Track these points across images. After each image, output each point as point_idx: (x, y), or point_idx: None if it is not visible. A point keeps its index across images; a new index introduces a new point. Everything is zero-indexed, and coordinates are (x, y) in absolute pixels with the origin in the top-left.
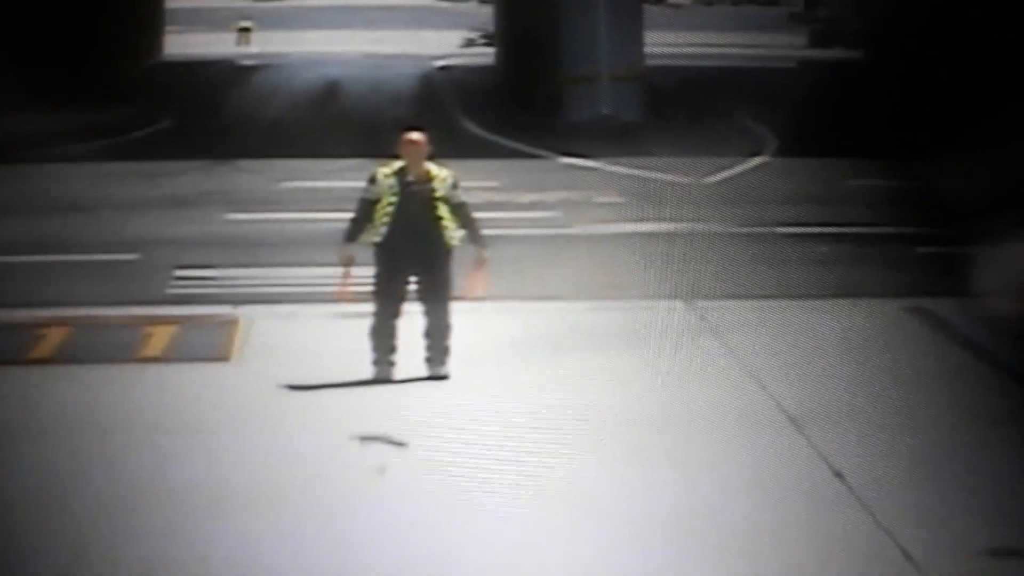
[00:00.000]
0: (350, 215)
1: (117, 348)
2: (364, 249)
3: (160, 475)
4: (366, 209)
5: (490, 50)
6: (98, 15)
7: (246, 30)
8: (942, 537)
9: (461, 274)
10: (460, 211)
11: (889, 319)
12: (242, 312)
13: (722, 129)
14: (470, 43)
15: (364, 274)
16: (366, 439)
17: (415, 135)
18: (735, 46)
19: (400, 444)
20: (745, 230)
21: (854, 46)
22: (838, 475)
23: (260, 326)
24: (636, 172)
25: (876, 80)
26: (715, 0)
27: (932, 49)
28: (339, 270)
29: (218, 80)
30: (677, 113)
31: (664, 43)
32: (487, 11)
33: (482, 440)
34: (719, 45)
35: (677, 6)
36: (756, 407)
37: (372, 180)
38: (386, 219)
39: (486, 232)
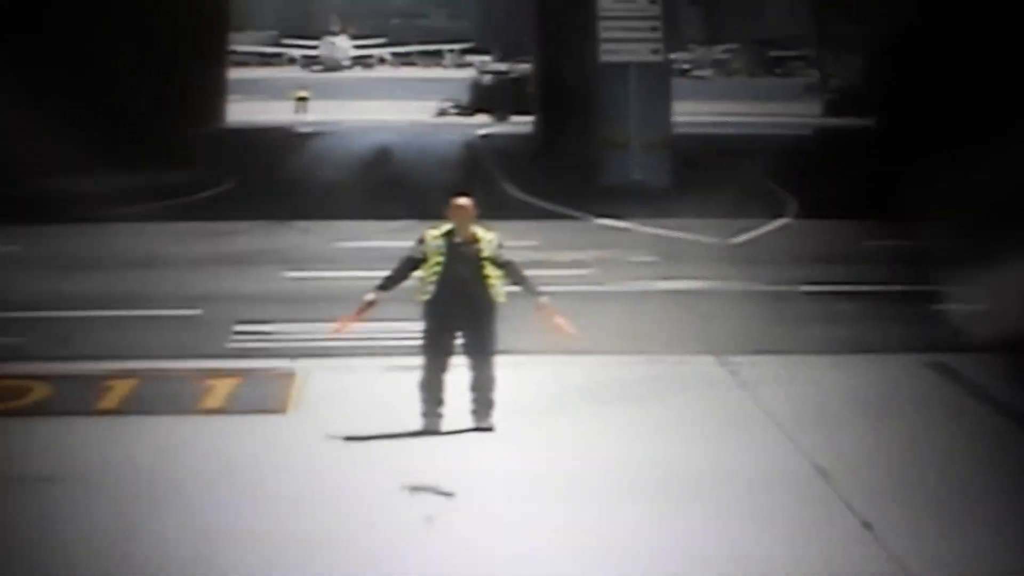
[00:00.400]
0: (393, 268)
1: (179, 400)
2: (410, 305)
3: (220, 522)
4: (408, 266)
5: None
6: (165, 82)
7: (303, 99)
8: None
9: (517, 329)
10: (508, 268)
11: (908, 373)
12: (298, 365)
13: (745, 192)
14: (443, 112)
15: (414, 329)
16: (415, 489)
17: (463, 200)
18: (754, 114)
19: (447, 494)
20: (770, 288)
21: (865, 114)
22: (867, 525)
23: (315, 379)
24: (666, 233)
25: (886, 146)
26: (734, 72)
27: (939, 113)
28: (391, 324)
29: (276, 145)
30: (702, 177)
31: (688, 112)
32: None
33: (526, 492)
34: (739, 114)
35: (700, 77)
36: (786, 459)
37: (421, 240)
38: (434, 278)
39: None
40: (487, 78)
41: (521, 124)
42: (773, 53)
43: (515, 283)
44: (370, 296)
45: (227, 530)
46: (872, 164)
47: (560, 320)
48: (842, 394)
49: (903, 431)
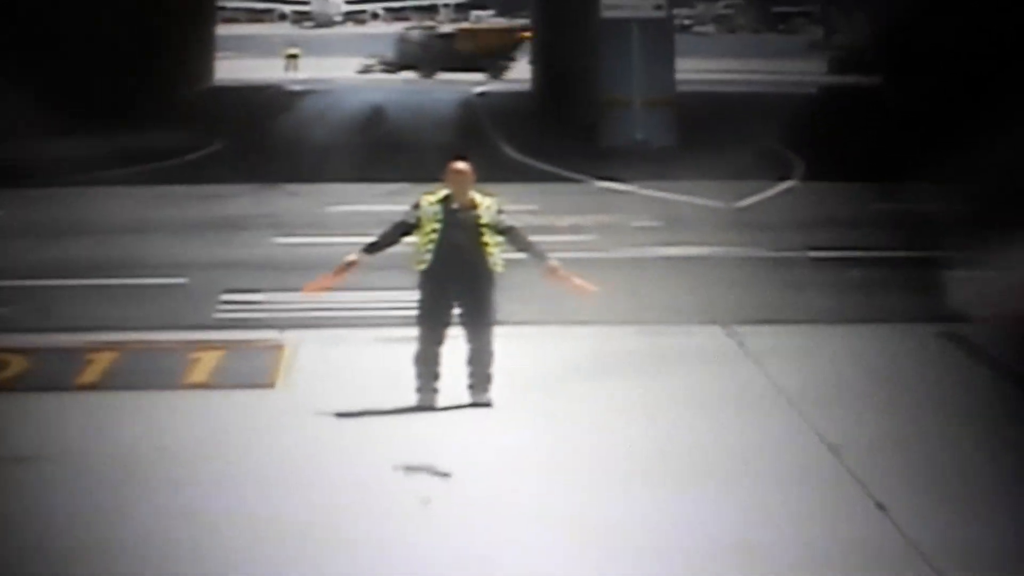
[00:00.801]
0: (382, 231)
1: (163, 374)
2: (405, 273)
3: (204, 503)
4: (399, 230)
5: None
6: (151, 40)
7: (294, 56)
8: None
9: (514, 298)
10: (511, 234)
11: (921, 344)
12: (288, 337)
13: (749, 153)
14: (367, 69)
15: (408, 299)
16: (410, 469)
17: (461, 164)
18: (757, 72)
19: (444, 475)
20: (778, 254)
21: (872, 73)
22: (880, 507)
23: (305, 351)
24: (669, 196)
25: (895, 106)
26: (737, 28)
27: (947, 73)
28: (385, 293)
29: (267, 105)
30: (705, 137)
31: (690, 69)
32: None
33: (525, 470)
34: (742, 71)
35: (701, 33)
36: (798, 437)
37: (416, 206)
38: (430, 246)
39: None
40: (415, 34)
41: (519, 82)
42: (776, 9)
43: (520, 249)
44: (351, 257)
45: (213, 513)
46: (880, 125)
47: (578, 280)
48: (854, 367)
49: (917, 406)
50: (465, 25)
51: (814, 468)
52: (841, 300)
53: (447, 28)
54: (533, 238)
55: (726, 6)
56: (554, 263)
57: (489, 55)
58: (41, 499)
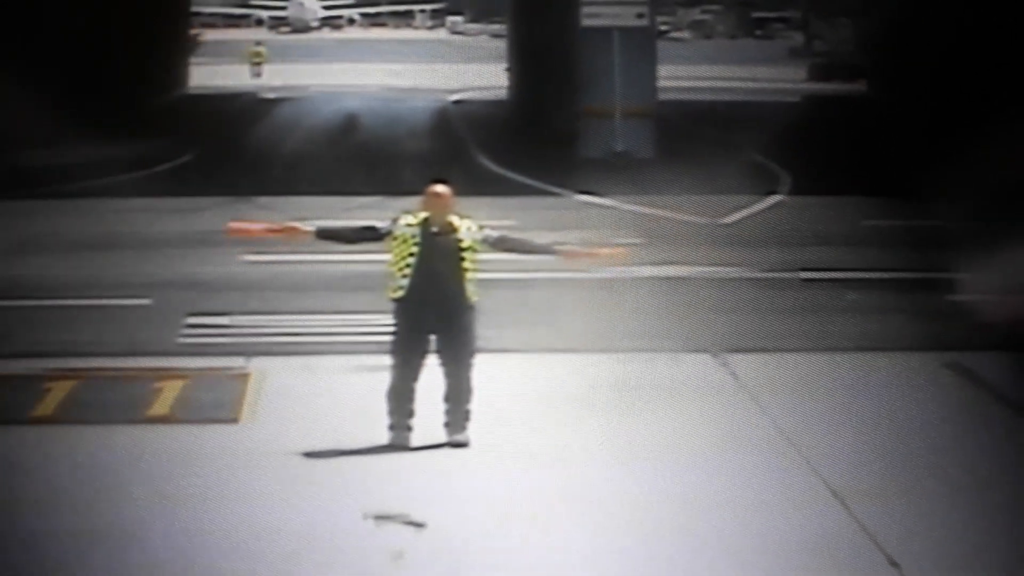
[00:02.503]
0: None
1: (123, 406)
2: (379, 295)
3: (162, 550)
4: (365, 232)
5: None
6: (122, 46)
7: (258, 56)
8: None
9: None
10: (505, 243)
11: (925, 376)
12: (254, 365)
13: (733, 165)
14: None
15: (384, 323)
16: (381, 519)
17: (440, 188)
18: (736, 79)
19: (418, 525)
20: (768, 275)
21: (854, 79)
22: (894, 564)
23: (272, 381)
24: (652, 211)
25: (881, 114)
26: (714, 34)
27: (937, 80)
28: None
29: (240, 113)
30: (687, 149)
31: (667, 76)
32: (498, 45)
33: (504, 520)
34: (721, 78)
35: (677, 39)
36: (799, 481)
37: (395, 220)
38: (407, 271)
39: (507, 275)
40: None
41: (494, 90)
42: (756, 15)
43: (522, 252)
44: (297, 225)
45: (171, 560)
46: (868, 135)
47: (603, 251)
48: (855, 401)
49: (926, 449)
50: None
51: (820, 519)
52: (837, 326)
53: None
54: (513, 255)
55: (702, 11)
56: (566, 248)
57: None
58: None
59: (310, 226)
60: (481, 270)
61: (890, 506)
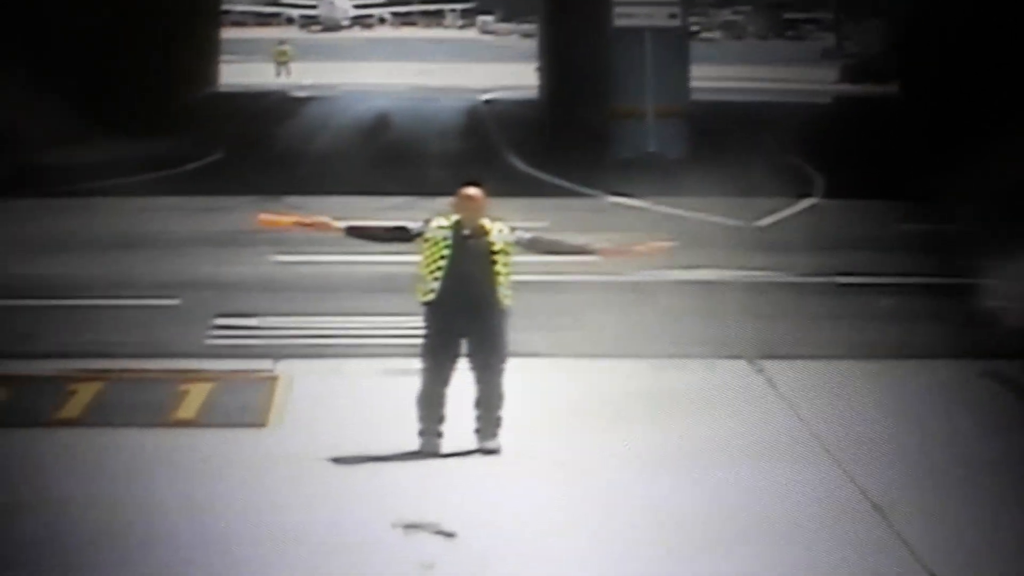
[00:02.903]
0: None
1: (149, 409)
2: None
3: (186, 557)
4: (396, 232)
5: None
6: (153, 44)
7: (284, 55)
8: None
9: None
10: (539, 244)
11: (966, 384)
12: (282, 368)
13: (766, 167)
14: None
15: (416, 325)
16: (410, 528)
17: (472, 190)
18: (768, 80)
19: (448, 535)
20: (803, 280)
21: (886, 81)
22: None
23: (300, 385)
24: (685, 213)
25: (916, 116)
26: (745, 34)
27: (971, 81)
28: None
29: (270, 111)
30: (719, 149)
31: (698, 76)
32: (529, 44)
33: (535, 531)
34: (752, 79)
35: (709, 40)
36: (839, 494)
37: (427, 221)
38: (439, 274)
39: (535, 277)
40: None
41: (524, 89)
42: (787, 15)
43: (558, 253)
44: (327, 220)
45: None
46: (902, 137)
47: (643, 247)
48: (894, 411)
49: (965, 456)
50: None
51: (860, 532)
52: (875, 332)
53: None
54: (547, 258)
55: (734, 12)
56: (603, 246)
57: None
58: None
59: (341, 223)
60: (514, 273)
61: (930, 519)
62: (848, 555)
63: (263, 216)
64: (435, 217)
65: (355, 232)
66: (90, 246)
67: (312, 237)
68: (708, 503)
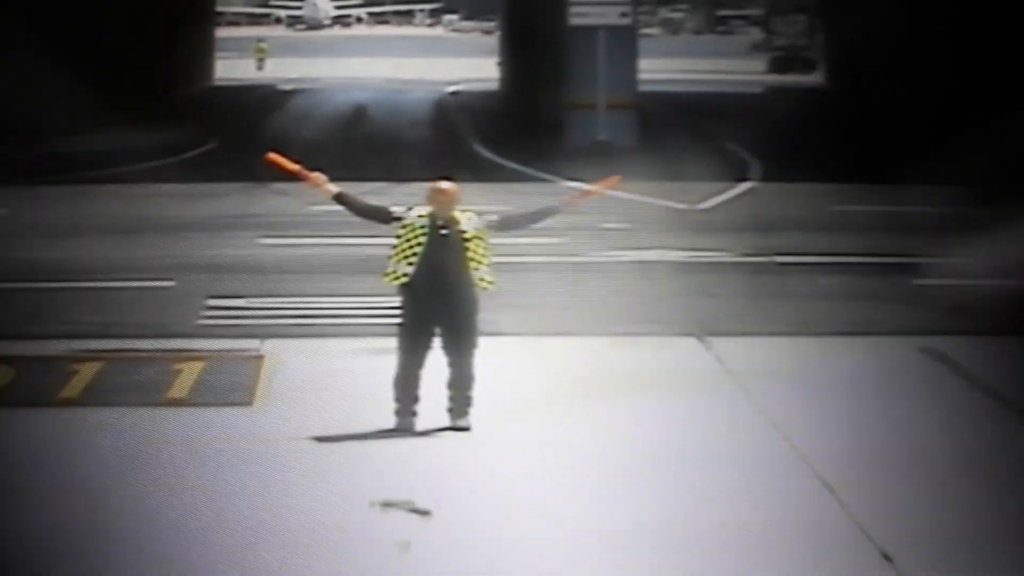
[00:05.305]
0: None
1: (145, 388)
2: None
3: (175, 535)
4: (376, 212)
5: (495, 77)
6: (152, 41)
7: (261, 51)
8: None
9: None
10: (508, 223)
11: (904, 360)
12: (269, 347)
13: (706, 154)
14: None
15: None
16: (388, 505)
17: (445, 184)
18: (702, 71)
19: (424, 513)
20: (745, 260)
21: (810, 72)
22: (887, 558)
23: (286, 364)
24: (635, 197)
25: (842, 104)
26: (681, 30)
27: (895, 73)
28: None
29: (260, 103)
30: (663, 138)
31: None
32: (491, 40)
33: (509, 503)
34: (688, 71)
35: (647, 35)
36: (789, 469)
37: (409, 209)
38: (413, 259)
39: (494, 259)
40: None
41: (489, 83)
42: (720, 13)
43: (528, 223)
44: (326, 181)
45: (182, 546)
46: (829, 122)
47: (595, 187)
48: (839, 385)
49: (905, 430)
50: None
51: (812, 512)
52: (815, 310)
53: None
54: (508, 241)
55: (672, 9)
56: (564, 199)
57: None
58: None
59: (333, 186)
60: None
61: (880, 498)
62: (796, 529)
63: (271, 155)
64: (416, 207)
65: (341, 199)
66: (93, 231)
67: (293, 221)
68: (662, 479)
